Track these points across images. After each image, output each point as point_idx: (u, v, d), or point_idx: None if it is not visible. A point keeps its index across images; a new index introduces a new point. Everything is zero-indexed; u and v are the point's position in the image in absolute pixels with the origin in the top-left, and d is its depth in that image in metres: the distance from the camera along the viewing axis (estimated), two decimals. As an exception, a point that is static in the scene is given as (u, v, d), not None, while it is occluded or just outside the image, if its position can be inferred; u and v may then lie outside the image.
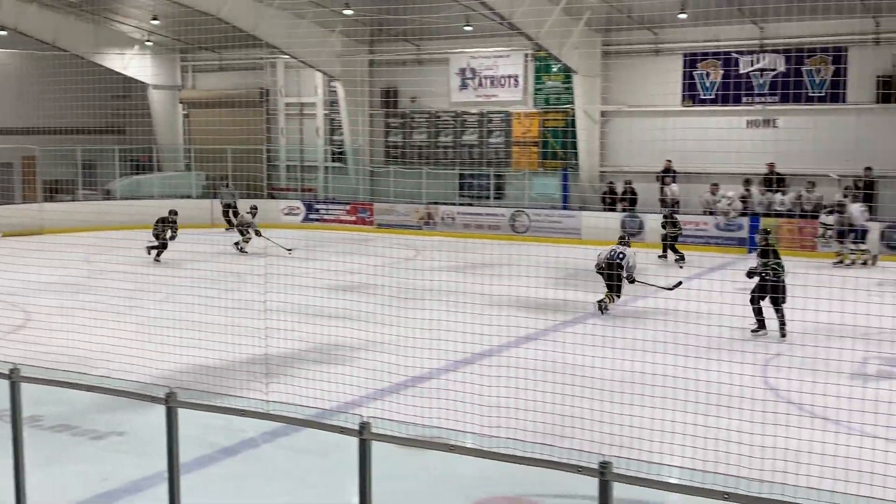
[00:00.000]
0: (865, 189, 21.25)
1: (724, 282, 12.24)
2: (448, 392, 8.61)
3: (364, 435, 4.61)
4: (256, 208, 22.39)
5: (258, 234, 21.14)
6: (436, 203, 26.52)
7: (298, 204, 28.78)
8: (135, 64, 30.63)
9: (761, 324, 12.71)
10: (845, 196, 21.09)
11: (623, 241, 15.29)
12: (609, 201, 24.60)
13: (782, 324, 12.58)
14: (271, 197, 29.61)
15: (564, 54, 24.15)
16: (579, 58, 24.60)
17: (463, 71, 28.05)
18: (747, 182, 23.09)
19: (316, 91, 30.34)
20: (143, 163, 30.42)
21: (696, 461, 6.34)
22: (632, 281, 14.56)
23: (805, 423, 8.34)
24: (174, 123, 32.75)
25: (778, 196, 22.58)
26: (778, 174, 22.73)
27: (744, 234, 22.31)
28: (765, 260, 13.02)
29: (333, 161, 30.23)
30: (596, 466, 4.21)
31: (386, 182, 27.97)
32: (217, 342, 9.76)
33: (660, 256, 20.88)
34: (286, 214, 28.44)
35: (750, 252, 21.66)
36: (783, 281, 12.74)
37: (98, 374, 8.52)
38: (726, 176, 23.06)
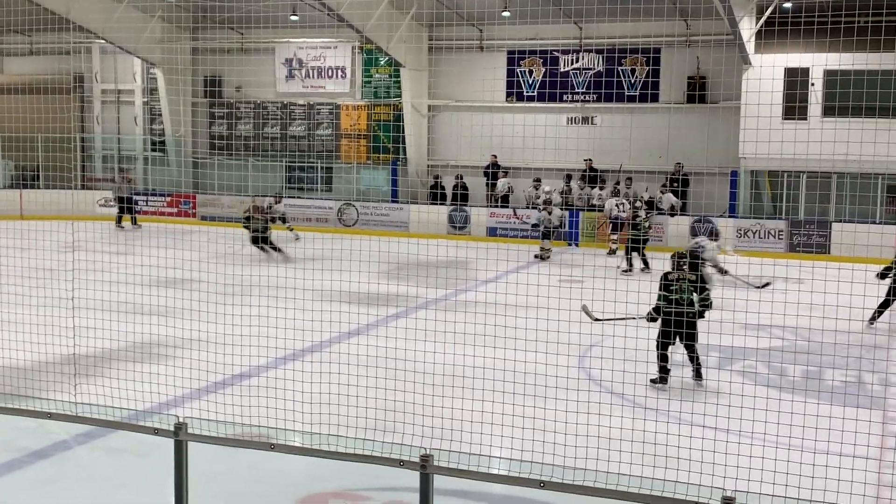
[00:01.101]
0: (681, 186, 22.61)
1: (549, 276, 12.62)
2: (271, 389, 8.48)
3: (180, 436, 4.50)
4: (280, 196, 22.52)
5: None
6: (263, 196, 26.02)
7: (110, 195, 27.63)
8: (-65, 44, 28.60)
9: (664, 372, 10.26)
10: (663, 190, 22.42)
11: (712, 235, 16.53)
12: (437, 195, 24.95)
13: (698, 366, 10.28)
14: (84, 188, 28.30)
15: (392, 48, 24.26)
16: (406, 51, 24.78)
17: (289, 61, 27.70)
18: (568, 178, 23.92)
19: (134, 78, 29.22)
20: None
21: (515, 451, 6.51)
22: (724, 273, 15.37)
23: (623, 412, 8.70)
24: (-21, 109, 30.75)
25: (596, 191, 23.52)
26: (594, 170, 23.67)
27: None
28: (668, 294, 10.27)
29: (154, 151, 29.21)
30: (417, 460, 4.25)
31: (210, 173, 27.26)
32: (23, 341, 9.24)
33: (625, 271, 18.10)
34: (102, 206, 27.24)
35: (570, 245, 22.50)
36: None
37: None
38: (550, 171, 23.81)
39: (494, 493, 7.33)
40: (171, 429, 4.54)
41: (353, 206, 25.28)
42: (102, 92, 29.78)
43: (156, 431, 4.66)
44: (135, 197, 26.05)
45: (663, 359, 10.23)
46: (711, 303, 10.54)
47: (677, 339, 10.27)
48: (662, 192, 22.50)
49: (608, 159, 23.64)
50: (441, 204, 24.60)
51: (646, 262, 18.15)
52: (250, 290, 10.61)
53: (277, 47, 27.67)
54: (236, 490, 7.43)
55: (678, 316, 9.93)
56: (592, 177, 23.51)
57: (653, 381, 10.04)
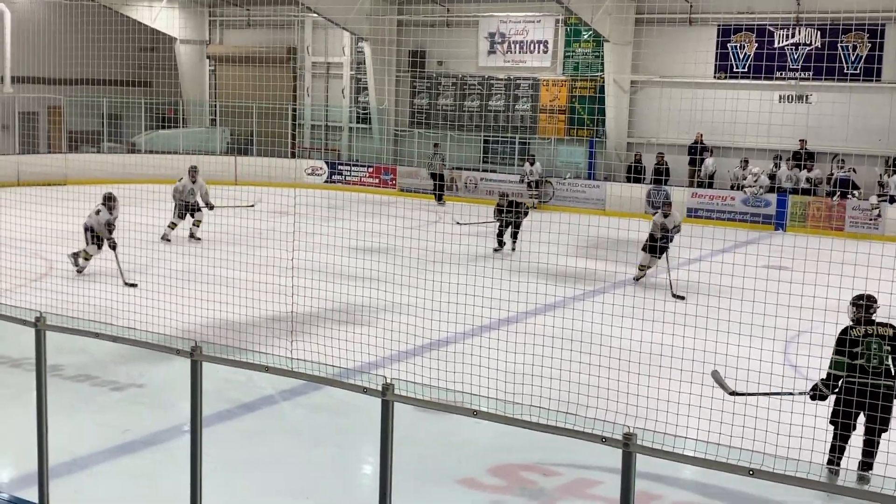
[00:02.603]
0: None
1: (749, 256, 12.09)
2: (470, 357, 8.59)
3: (387, 396, 4.60)
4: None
5: None
6: (459, 168, 26.41)
7: (322, 164, 28.74)
8: (163, 17, 30.52)
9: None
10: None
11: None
12: (635, 173, 24.42)
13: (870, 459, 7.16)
14: (294, 156, 29.57)
15: (596, 21, 23.87)
16: (611, 25, 24.30)
17: (492, 35, 27.79)
18: (777, 158, 22.85)
19: (343, 51, 30.17)
20: (168, 117, 30.43)
21: (715, 435, 6.30)
22: None
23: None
24: (200, 78, 32.70)
25: (804, 173, 22.36)
26: (808, 151, 22.49)
27: (771, 210, 22.12)
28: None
29: (358, 122, 30.13)
30: (620, 437, 4.17)
31: (410, 145, 27.86)
32: (242, 298, 9.77)
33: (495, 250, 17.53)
34: (309, 175, 28.41)
35: (777, 229, 21.55)
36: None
37: (121, 325, 8.56)
38: (756, 151, 22.83)
39: (687, 479, 7.16)
40: (379, 389, 4.63)
41: (550, 181, 25.16)
42: (313, 64, 30.94)
43: (364, 390, 4.77)
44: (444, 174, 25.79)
45: (840, 450, 7.10)
46: None
47: (859, 422, 7.17)
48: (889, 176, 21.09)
49: (822, 141, 22.38)
50: (638, 182, 24.08)
51: None
52: (450, 259, 10.76)
53: (481, 20, 27.83)
54: (430, 455, 7.59)
55: (863, 388, 6.92)
56: (804, 156, 22.35)
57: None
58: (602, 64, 25.47)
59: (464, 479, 7.16)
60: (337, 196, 21.97)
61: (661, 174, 23.65)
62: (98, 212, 13.91)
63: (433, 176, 25.56)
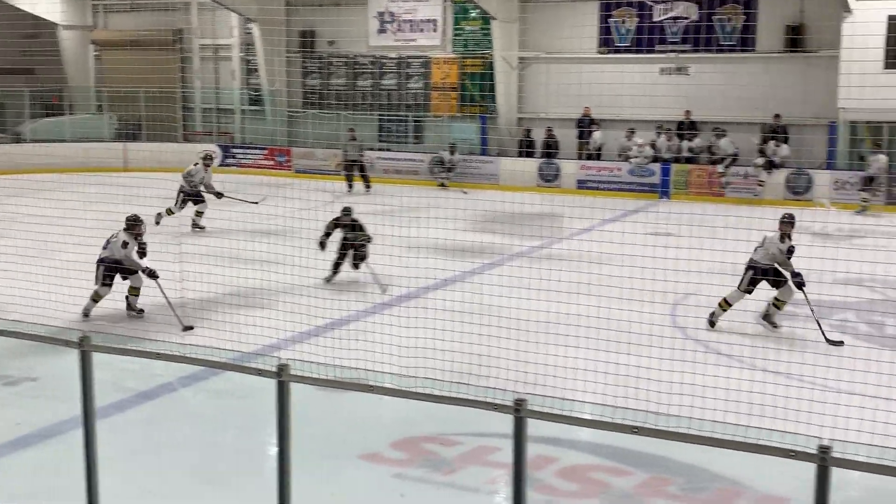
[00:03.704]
0: (782, 134, 22.05)
1: (636, 224, 12.51)
2: (369, 334, 8.70)
3: (282, 377, 4.64)
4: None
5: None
6: (370, 149, 26.32)
7: (215, 148, 28.25)
8: (44, 2, 29.43)
9: None
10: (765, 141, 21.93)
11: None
12: (526, 147, 24.82)
13: None
14: (186, 141, 29.01)
15: (482, -1, 24.10)
16: (497, 3, 24.56)
17: (381, 14, 27.74)
18: (660, 129, 23.53)
19: (231, 32, 29.67)
20: (54, 104, 29.45)
21: (608, 397, 6.58)
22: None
23: (709, 359, 8.67)
24: (85, 64, 31.69)
25: (685, 143, 23.10)
26: (692, 121, 23.23)
27: (655, 179, 22.80)
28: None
29: (250, 105, 29.75)
30: (511, 404, 4.33)
31: (304, 126, 27.64)
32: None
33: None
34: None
35: (661, 197, 22.24)
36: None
37: (11, 319, 8.38)
38: (643, 123, 23.44)
39: (583, 441, 7.43)
40: (274, 370, 4.69)
41: (444, 158, 25.30)
42: (201, 47, 30.33)
43: (259, 372, 4.82)
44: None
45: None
46: None
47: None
48: (777, 145, 21.93)
49: (703, 110, 23.14)
50: (531, 157, 24.52)
51: None
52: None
53: (370, 0, 27.74)
54: (333, 432, 7.68)
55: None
56: (687, 126, 23.06)
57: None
58: (490, 41, 25.72)
59: (367, 455, 7.28)
60: (231, 180, 21.67)
61: (552, 148, 24.14)
62: (125, 243, 10.69)
63: (348, 166, 23.62)
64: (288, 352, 8.76)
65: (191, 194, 17.09)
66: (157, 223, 16.32)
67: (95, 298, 10.67)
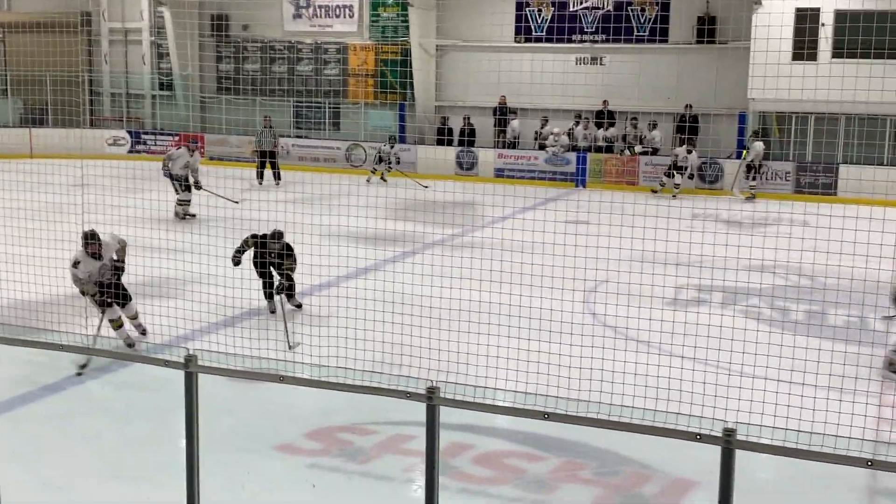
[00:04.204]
0: (691, 124, 22.54)
1: (552, 212, 12.59)
2: (282, 324, 8.59)
3: (190, 367, 4.57)
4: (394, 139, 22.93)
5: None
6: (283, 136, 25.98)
7: (124, 134, 27.60)
8: (-59, -17, 28.34)
9: None
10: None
11: None
12: (443, 135, 24.85)
13: None
14: (94, 126, 28.25)
15: (400, -15, 24.02)
16: (415, -10, 24.54)
17: (297, -1, 27.44)
18: (578, 118, 23.81)
19: (142, 16, 28.98)
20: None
21: (522, 384, 6.62)
22: None
23: (621, 346, 8.80)
24: (-13, 47, 30.63)
25: (601, 132, 23.44)
26: (609, 111, 23.56)
27: (571, 168, 23.07)
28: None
29: (161, 90, 29.11)
30: (423, 392, 4.33)
31: (218, 112, 27.18)
32: (37, 276, 9.34)
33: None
34: (111, 145, 27.23)
35: (577, 186, 22.51)
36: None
37: None
38: (561, 112, 23.67)
39: (499, 427, 7.48)
40: (182, 361, 4.60)
41: (361, 146, 25.21)
42: (110, 31, 29.56)
43: (166, 363, 4.73)
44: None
45: None
46: None
47: None
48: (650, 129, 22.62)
49: (619, 100, 23.49)
50: (448, 145, 24.57)
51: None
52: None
53: (284, -16, 27.39)
54: (247, 423, 7.59)
55: None
56: (606, 115, 23.39)
57: None
58: (408, 28, 25.64)
59: (281, 446, 7.20)
60: (141, 167, 21.17)
61: (468, 136, 24.24)
62: (77, 262, 9.15)
63: (262, 154, 22.42)
64: (198, 343, 8.61)
65: (178, 179, 16.67)
66: (183, 217, 16.22)
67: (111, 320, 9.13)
